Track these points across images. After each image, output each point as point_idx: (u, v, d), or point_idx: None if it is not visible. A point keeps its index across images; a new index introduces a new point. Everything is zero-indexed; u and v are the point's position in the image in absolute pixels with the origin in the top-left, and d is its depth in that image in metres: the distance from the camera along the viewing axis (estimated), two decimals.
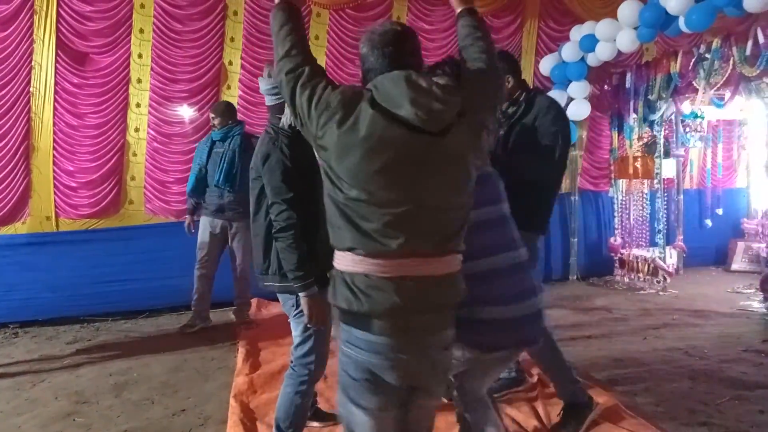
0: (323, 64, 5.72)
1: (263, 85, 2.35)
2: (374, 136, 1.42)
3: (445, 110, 1.48)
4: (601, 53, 5.30)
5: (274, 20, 1.61)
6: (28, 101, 5.00)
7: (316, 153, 1.57)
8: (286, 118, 2.29)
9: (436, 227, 1.50)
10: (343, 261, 1.52)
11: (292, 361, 2.42)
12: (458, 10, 1.75)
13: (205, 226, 4.57)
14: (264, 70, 2.36)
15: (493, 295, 1.85)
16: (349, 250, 1.49)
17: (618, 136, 6.45)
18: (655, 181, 6.16)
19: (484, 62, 1.66)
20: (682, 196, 6.55)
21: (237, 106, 5.58)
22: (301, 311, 2.32)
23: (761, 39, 4.52)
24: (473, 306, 1.76)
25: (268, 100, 2.36)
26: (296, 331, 2.39)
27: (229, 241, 4.59)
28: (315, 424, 2.85)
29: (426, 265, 1.49)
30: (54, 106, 5.05)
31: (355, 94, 1.49)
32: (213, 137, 4.54)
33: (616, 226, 6.53)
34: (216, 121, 4.52)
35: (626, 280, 6.20)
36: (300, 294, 2.25)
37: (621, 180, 6.45)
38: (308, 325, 2.30)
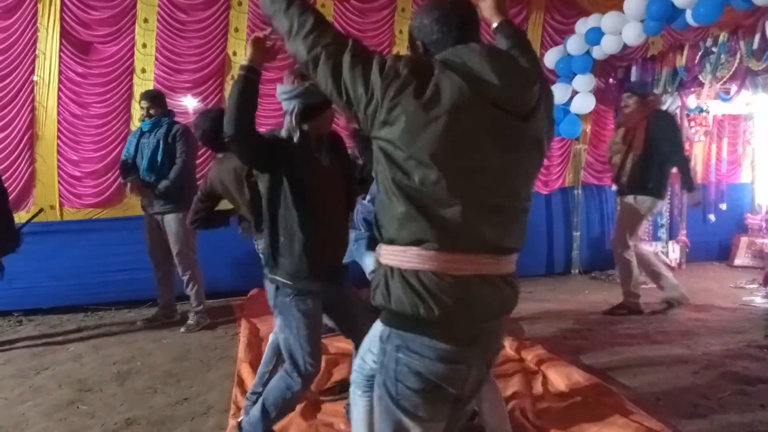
0: None
1: (280, 89, 2.27)
2: (461, 107, 1.23)
3: (535, 88, 1.35)
4: (607, 46, 5.27)
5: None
6: (33, 90, 5.00)
7: (374, 135, 1.32)
8: (285, 130, 2.23)
9: (513, 219, 1.35)
10: (405, 257, 1.30)
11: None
12: (495, 24, 1.61)
13: (144, 224, 4.52)
14: (285, 77, 2.30)
15: None
16: (417, 243, 1.28)
17: None
18: None
19: None
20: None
21: None
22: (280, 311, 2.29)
23: None
24: None
25: (284, 106, 2.29)
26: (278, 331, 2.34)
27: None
28: None
29: (499, 263, 1.33)
30: (58, 95, 5.05)
31: (426, 62, 1.32)
32: (142, 127, 4.37)
33: None
34: (152, 111, 4.32)
35: None
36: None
37: None
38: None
